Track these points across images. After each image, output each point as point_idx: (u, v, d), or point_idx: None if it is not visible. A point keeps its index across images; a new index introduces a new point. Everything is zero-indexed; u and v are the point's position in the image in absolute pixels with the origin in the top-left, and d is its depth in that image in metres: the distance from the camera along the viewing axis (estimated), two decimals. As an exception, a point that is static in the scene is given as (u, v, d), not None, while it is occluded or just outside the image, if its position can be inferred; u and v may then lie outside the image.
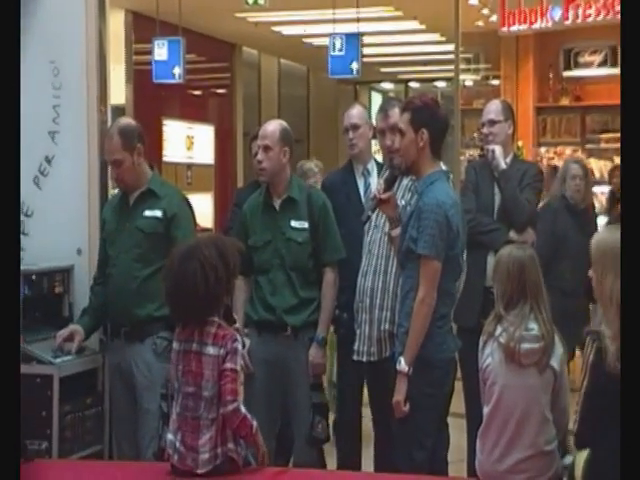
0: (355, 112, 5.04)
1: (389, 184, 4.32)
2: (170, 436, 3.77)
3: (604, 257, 3.38)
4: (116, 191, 4.89)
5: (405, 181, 4.57)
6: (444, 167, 4.25)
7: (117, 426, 4.72)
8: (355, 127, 4.98)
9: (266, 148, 4.66)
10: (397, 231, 4.27)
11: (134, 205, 4.65)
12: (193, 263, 3.69)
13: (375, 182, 4.92)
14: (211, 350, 3.72)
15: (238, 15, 11.15)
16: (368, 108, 5.46)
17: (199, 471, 3.68)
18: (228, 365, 3.70)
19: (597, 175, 11.53)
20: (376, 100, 16.58)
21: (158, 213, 4.58)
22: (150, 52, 9.53)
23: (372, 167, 5.05)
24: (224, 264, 3.74)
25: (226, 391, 3.69)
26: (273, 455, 4.69)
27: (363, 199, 4.93)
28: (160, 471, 3.81)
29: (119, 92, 10.12)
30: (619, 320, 3.28)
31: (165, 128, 11.40)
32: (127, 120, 4.85)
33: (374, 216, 4.59)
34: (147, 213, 4.60)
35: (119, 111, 9.91)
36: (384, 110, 4.79)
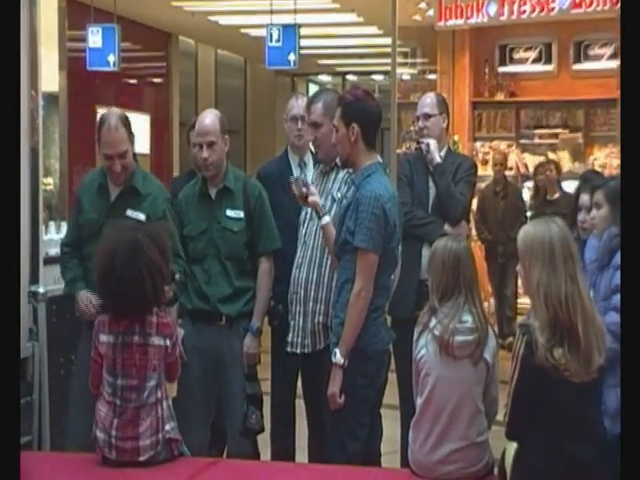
0: (302, 103, 5.00)
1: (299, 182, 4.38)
2: (100, 434, 3.71)
3: (530, 251, 3.43)
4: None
5: (341, 174, 4.57)
6: (380, 159, 4.26)
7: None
8: (303, 118, 4.95)
9: (211, 144, 4.61)
10: (325, 219, 4.28)
11: (116, 201, 4.54)
12: (138, 263, 3.70)
13: (311, 174, 4.93)
14: (156, 340, 3.75)
15: (174, 4, 11.06)
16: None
17: (140, 459, 3.65)
18: (176, 355, 3.88)
19: (531, 170, 11.67)
20: (313, 92, 16.58)
21: (141, 216, 4.45)
22: (84, 39, 9.39)
23: (308, 159, 5.04)
24: (165, 259, 3.76)
25: (175, 375, 3.95)
26: (207, 445, 4.67)
27: None
28: (89, 462, 3.78)
29: (52, 79, 9.94)
30: (546, 311, 3.34)
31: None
32: (119, 110, 4.74)
33: (309, 208, 4.59)
34: (130, 213, 4.46)
35: (52, 98, 9.75)
36: (307, 106, 4.77)
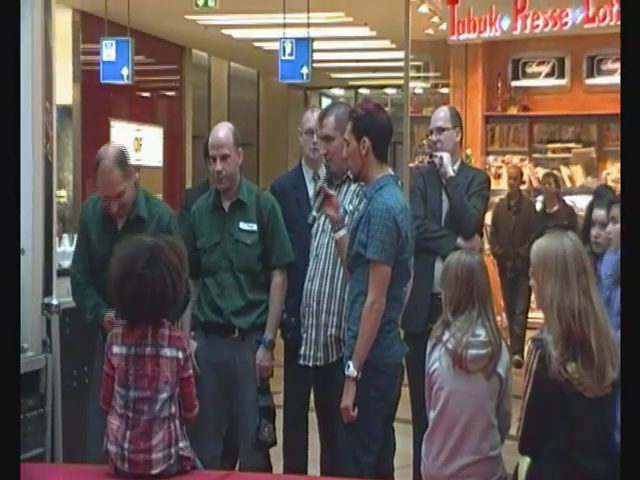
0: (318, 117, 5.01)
1: (329, 182, 4.33)
2: (112, 447, 3.71)
3: (543, 265, 3.42)
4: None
5: (352, 186, 4.58)
6: (392, 172, 4.26)
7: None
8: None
9: (224, 157, 4.62)
10: (340, 233, 4.29)
11: (122, 231, 4.50)
12: (160, 264, 3.69)
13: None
14: (168, 352, 3.73)
15: (188, 17, 11.10)
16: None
17: (153, 472, 3.65)
18: (190, 372, 3.80)
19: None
20: (326, 106, 16.57)
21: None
22: (98, 52, 9.44)
23: (322, 172, 5.04)
24: (183, 266, 3.78)
25: (191, 396, 3.81)
26: (219, 458, 4.67)
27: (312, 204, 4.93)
28: (102, 474, 3.78)
29: (66, 92, 10.01)
30: (559, 326, 3.32)
31: (113, 129, 11.30)
32: (114, 148, 4.63)
33: (322, 220, 4.59)
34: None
35: (66, 111, 9.80)
36: (319, 119, 4.77)
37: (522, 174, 10.47)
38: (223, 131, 4.69)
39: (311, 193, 4.95)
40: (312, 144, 4.98)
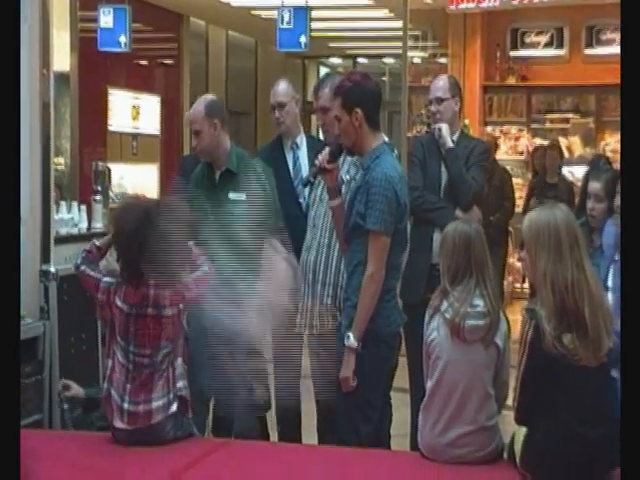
0: (280, 89, 5.05)
1: (334, 155, 4.27)
2: (115, 393, 3.73)
3: (537, 238, 3.41)
4: None
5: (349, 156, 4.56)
6: (386, 139, 4.24)
7: None
8: (281, 105, 5.00)
9: (197, 132, 4.63)
10: (335, 202, 4.26)
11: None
12: (172, 217, 3.78)
13: (304, 155, 4.98)
14: (169, 311, 3.77)
15: (186, -16, 11.03)
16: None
17: (152, 422, 3.67)
18: (194, 291, 3.85)
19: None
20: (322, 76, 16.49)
21: None
22: (95, 19, 9.38)
23: (301, 140, 5.06)
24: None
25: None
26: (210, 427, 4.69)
27: (292, 173, 4.97)
28: (100, 440, 3.80)
29: (64, 59, 9.94)
30: (553, 299, 3.32)
31: (110, 97, 11.23)
32: None
33: (319, 190, 4.58)
34: None
35: (63, 78, 9.75)
36: (315, 91, 4.77)
37: (497, 142, 10.33)
38: (197, 105, 4.68)
39: (290, 162, 5.00)
40: (276, 119, 5.02)
